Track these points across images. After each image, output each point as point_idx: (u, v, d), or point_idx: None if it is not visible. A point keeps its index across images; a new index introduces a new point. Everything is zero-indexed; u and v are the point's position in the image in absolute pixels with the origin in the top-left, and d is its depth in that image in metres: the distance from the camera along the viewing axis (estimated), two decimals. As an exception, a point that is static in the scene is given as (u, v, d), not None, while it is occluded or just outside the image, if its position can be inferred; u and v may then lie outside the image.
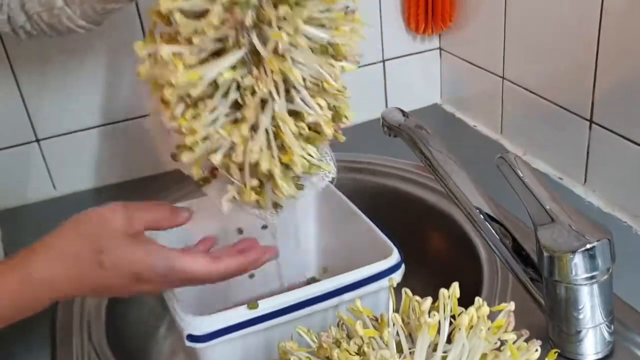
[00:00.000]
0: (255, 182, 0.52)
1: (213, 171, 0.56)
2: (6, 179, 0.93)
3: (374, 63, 1.06)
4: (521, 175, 0.59)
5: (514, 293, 0.66)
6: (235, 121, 0.50)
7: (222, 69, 0.48)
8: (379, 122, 0.79)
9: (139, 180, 0.98)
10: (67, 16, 0.65)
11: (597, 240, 0.53)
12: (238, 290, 0.79)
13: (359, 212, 0.72)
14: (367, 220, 0.70)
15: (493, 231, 0.64)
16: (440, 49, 1.08)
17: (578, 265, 0.53)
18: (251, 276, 0.82)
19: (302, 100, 0.50)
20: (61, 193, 0.96)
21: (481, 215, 0.64)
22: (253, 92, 0.49)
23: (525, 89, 0.89)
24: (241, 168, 0.52)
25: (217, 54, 0.49)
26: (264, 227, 0.80)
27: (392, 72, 1.07)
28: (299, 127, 0.51)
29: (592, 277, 0.54)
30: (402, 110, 0.78)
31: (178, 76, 0.47)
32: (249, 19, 0.46)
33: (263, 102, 0.49)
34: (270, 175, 0.52)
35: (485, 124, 1.01)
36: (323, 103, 0.51)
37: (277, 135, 0.51)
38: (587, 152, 0.80)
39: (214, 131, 0.50)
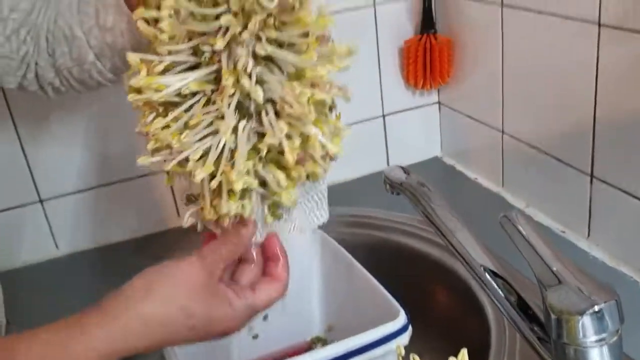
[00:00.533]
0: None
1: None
2: (9, 239, 0.93)
3: (375, 118, 1.07)
4: (525, 234, 0.59)
5: (522, 353, 0.65)
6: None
7: (189, 80, 0.50)
8: (381, 175, 0.79)
9: (140, 238, 0.98)
10: (98, 70, 0.65)
11: (605, 302, 0.52)
12: (241, 352, 0.79)
13: (364, 270, 0.72)
14: (373, 279, 0.69)
15: (499, 290, 0.64)
16: (439, 103, 1.10)
17: (586, 327, 0.53)
18: (255, 337, 0.81)
19: (269, 121, 0.51)
20: (63, 253, 0.96)
21: (486, 274, 0.64)
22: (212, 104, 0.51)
23: (525, 143, 0.90)
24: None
25: (193, 68, 0.51)
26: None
27: (392, 127, 1.08)
28: (263, 145, 0.51)
29: (601, 339, 0.53)
30: (403, 168, 0.78)
31: (139, 80, 0.49)
32: (219, 42, 0.48)
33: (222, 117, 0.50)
34: (219, 190, 0.52)
35: (487, 177, 1.02)
36: (283, 126, 0.50)
37: (232, 153, 0.51)
38: (590, 206, 0.80)
39: (171, 139, 0.51)
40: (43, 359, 0.45)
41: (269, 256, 0.60)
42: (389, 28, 1.02)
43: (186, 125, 0.51)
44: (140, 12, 0.51)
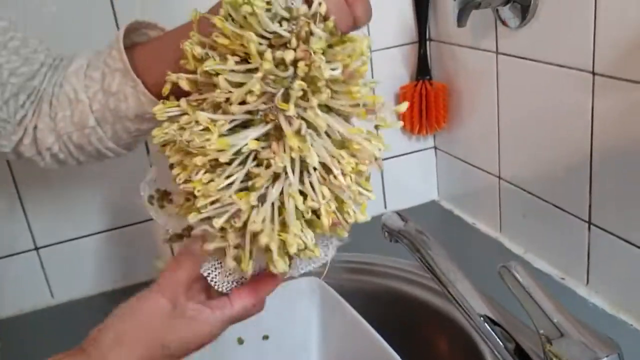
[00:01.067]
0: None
1: (189, 230, 0.57)
2: (4, 287, 0.93)
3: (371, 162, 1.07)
4: (525, 286, 0.58)
5: (525, 405, 0.64)
6: (244, 189, 0.51)
7: (249, 139, 0.49)
8: (379, 219, 0.79)
9: (135, 286, 0.97)
10: (98, 137, 0.64)
11: (607, 356, 0.52)
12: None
13: (368, 326, 0.71)
14: (375, 333, 0.69)
15: (498, 339, 0.63)
16: (435, 148, 1.10)
17: (589, 380, 0.52)
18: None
19: (311, 184, 0.50)
20: (59, 301, 0.95)
21: (486, 324, 0.63)
22: (268, 165, 0.49)
23: (522, 189, 0.90)
24: (240, 236, 0.52)
25: (244, 125, 0.50)
26: (265, 337, 0.79)
27: (389, 171, 1.09)
28: (306, 207, 0.50)
29: (604, 393, 0.53)
30: (401, 215, 0.78)
31: (212, 143, 0.48)
32: (278, 98, 0.48)
33: (275, 176, 0.50)
34: (267, 249, 0.51)
35: (484, 222, 1.02)
36: (327, 193, 0.50)
37: (279, 211, 0.51)
38: (588, 253, 0.80)
39: (226, 196, 0.50)
40: None
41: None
42: (385, 74, 1.03)
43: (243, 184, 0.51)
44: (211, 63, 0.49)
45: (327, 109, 0.51)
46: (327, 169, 0.51)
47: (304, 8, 0.49)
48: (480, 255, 0.94)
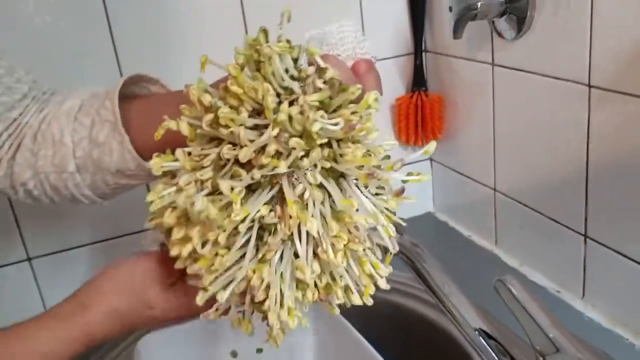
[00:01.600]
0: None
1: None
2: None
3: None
4: (521, 300, 0.58)
5: (519, 420, 0.63)
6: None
7: (261, 205, 0.45)
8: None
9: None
10: (75, 183, 0.63)
11: (603, 371, 0.52)
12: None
13: (361, 337, 0.70)
14: (370, 347, 0.68)
15: (493, 354, 0.63)
16: (431, 159, 1.10)
17: (585, 397, 0.52)
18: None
19: (306, 256, 0.47)
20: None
21: (481, 338, 0.63)
22: (274, 232, 0.46)
23: (518, 201, 0.90)
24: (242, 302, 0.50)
25: (250, 188, 0.46)
26: (259, 350, 0.78)
27: (384, 182, 1.08)
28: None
29: (599, 409, 0.52)
30: (397, 228, 0.78)
31: (237, 214, 0.44)
32: (282, 165, 0.45)
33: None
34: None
35: (480, 234, 1.01)
36: (316, 267, 0.47)
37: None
38: (584, 266, 0.80)
39: (236, 270, 0.47)
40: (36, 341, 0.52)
41: None
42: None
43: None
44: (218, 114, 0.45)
45: (332, 172, 0.47)
46: (320, 245, 0.47)
47: (311, 69, 0.47)
48: (476, 268, 0.94)
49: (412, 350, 0.85)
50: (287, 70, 0.46)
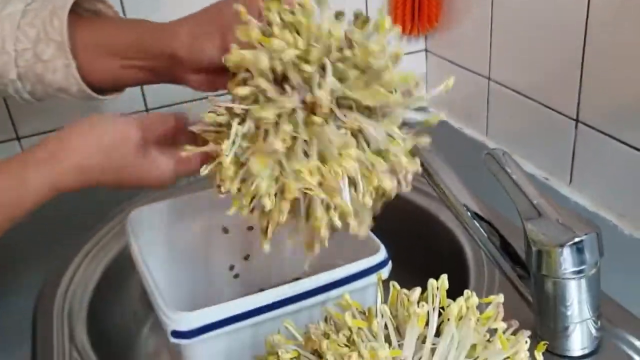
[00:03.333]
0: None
1: None
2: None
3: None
4: (509, 171, 0.59)
5: (501, 291, 0.65)
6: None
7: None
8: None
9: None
10: (15, 88, 0.63)
11: (585, 234, 0.53)
12: (221, 291, 0.79)
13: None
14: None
15: (481, 229, 0.64)
16: (426, 50, 1.08)
17: (566, 259, 0.53)
18: (235, 276, 0.81)
19: None
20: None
21: (468, 213, 0.64)
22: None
23: (511, 89, 0.89)
24: None
25: None
26: (250, 227, 0.79)
27: (378, 74, 1.07)
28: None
29: (580, 272, 0.54)
30: (388, 109, 0.77)
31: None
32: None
33: None
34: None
35: (471, 126, 1.01)
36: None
37: None
38: (573, 152, 0.80)
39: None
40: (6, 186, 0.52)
41: None
42: (379, -31, 1.00)
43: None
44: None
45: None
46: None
47: None
48: (466, 158, 0.94)
49: (394, 232, 0.87)
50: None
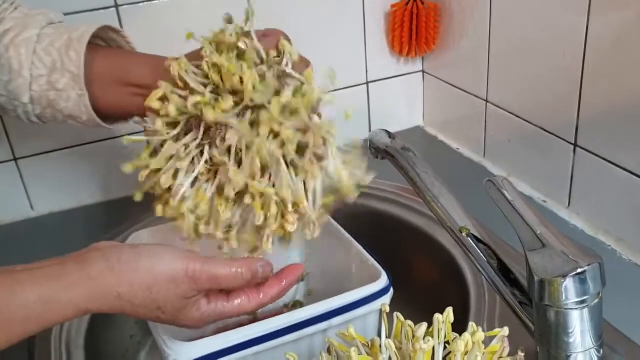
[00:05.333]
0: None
1: None
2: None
3: (358, 85, 1.06)
4: (510, 199, 0.59)
5: (502, 318, 0.66)
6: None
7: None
8: (363, 143, 0.78)
9: (117, 200, 0.96)
10: (25, 110, 0.64)
11: (588, 265, 0.53)
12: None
13: (346, 234, 0.71)
14: (355, 242, 0.69)
15: (481, 254, 0.64)
16: (423, 71, 1.09)
17: (569, 289, 0.53)
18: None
19: None
20: (38, 214, 0.94)
21: (469, 238, 0.64)
22: None
23: (509, 112, 0.89)
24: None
25: None
26: (254, 249, 0.79)
27: (375, 94, 1.07)
28: None
29: (582, 302, 0.54)
30: (388, 132, 0.78)
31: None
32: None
33: None
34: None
35: (469, 147, 1.01)
36: None
37: None
38: (571, 176, 0.80)
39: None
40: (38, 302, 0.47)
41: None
42: (376, -8, 1.01)
43: None
44: None
45: None
46: None
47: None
48: (464, 179, 0.94)
49: (397, 256, 0.87)
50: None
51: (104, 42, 0.67)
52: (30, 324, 0.47)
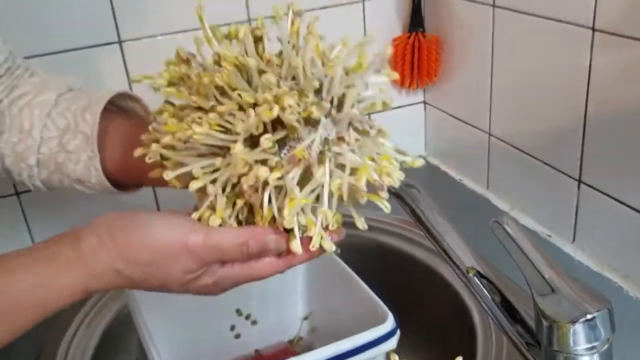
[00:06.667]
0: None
1: None
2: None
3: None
4: (517, 241, 0.58)
5: (510, 357, 0.65)
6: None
7: None
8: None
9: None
10: (30, 174, 0.62)
11: (597, 311, 0.52)
12: (223, 350, 0.78)
13: (351, 271, 0.71)
14: (360, 281, 0.69)
15: (488, 294, 0.63)
16: (424, 102, 1.09)
17: (578, 335, 0.53)
18: (237, 337, 0.80)
19: None
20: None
21: (475, 279, 0.63)
22: None
23: (512, 146, 0.89)
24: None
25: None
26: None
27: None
28: None
29: (592, 348, 0.53)
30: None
31: None
32: None
33: None
34: None
35: (472, 179, 1.01)
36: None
37: None
38: (576, 211, 0.80)
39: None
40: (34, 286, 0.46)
41: None
42: (377, 25, 1.01)
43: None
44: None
45: None
46: None
47: None
48: (467, 212, 0.94)
49: (402, 291, 0.86)
50: None
51: (122, 110, 0.66)
52: (29, 311, 0.46)
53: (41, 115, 0.61)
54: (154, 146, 0.51)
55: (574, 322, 0.52)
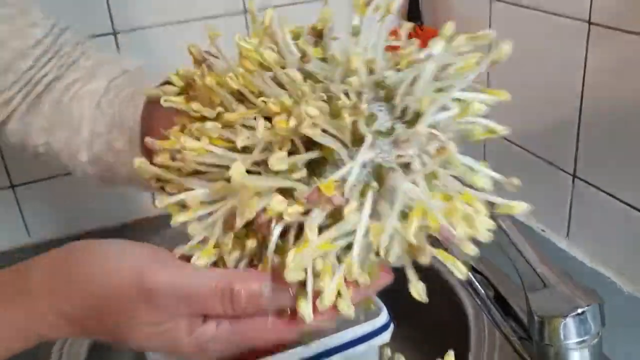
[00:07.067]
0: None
1: None
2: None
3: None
4: (511, 236, 0.58)
5: (502, 353, 0.65)
6: None
7: None
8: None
9: (115, 228, 0.96)
10: (83, 170, 0.59)
11: (588, 305, 0.53)
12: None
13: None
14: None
15: (481, 289, 0.64)
16: (422, 96, 1.09)
17: (569, 329, 0.53)
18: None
19: None
20: (35, 240, 0.94)
21: (469, 273, 0.64)
22: None
23: (507, 140, 0.89)
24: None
25: None
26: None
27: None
28: None
29: (582, 342, 0.54)
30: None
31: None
32: None
33: None
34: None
35: (467, 173, 1.01)
36: None
37: None
38: (570, 206, 0.80)
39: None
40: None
41: None
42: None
43: None
44: None
45: None
46: None
47: None
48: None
49: (394, 286, 0.86)
50: None
51: None
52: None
53: (90, 105, 0.57)
54: (144, 165, 0.41)
55: (564, 316, 0.53)
